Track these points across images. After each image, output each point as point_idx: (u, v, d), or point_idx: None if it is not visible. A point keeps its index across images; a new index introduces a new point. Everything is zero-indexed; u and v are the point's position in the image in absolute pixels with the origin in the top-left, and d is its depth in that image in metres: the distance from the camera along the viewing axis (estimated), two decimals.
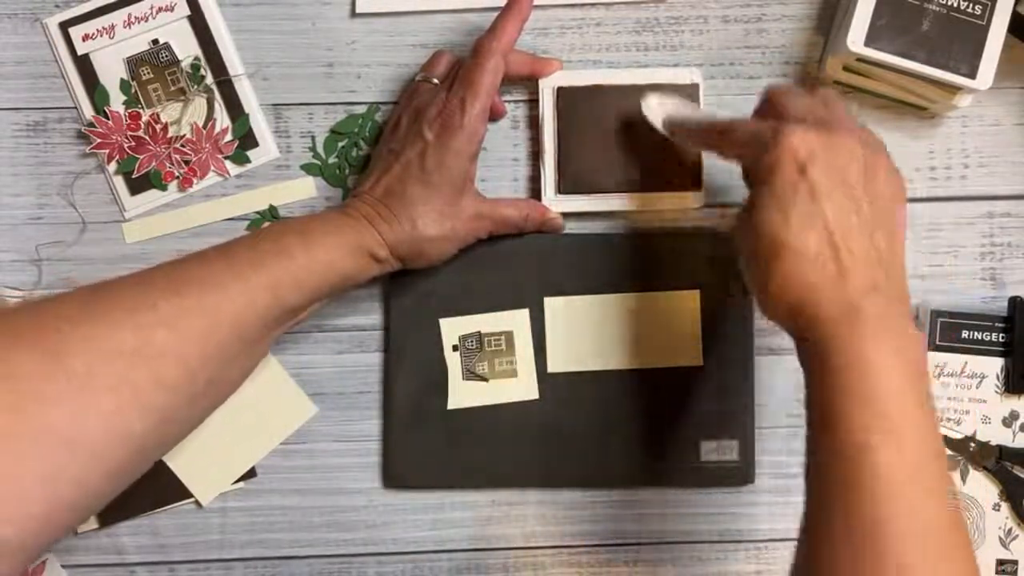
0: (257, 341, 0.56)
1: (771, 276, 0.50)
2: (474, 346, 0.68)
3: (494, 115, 0.68)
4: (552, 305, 0.68)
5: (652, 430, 0.68)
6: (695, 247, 0.68)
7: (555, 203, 0.68)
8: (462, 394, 0.68)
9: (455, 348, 0.68)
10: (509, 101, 0.70)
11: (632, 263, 0.68)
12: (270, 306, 0.55)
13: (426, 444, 0.68)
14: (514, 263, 0.68)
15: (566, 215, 0.69)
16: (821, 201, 0.49)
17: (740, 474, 0.68)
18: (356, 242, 0.59)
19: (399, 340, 0.68)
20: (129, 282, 0.53)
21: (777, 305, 0.51)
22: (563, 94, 0.67)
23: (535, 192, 0.69)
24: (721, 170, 0.69)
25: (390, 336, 0.68)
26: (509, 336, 0.68)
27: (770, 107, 0.56)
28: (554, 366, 0.68)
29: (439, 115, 0.61)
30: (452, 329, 0.68)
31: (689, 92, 0.67)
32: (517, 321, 0.68)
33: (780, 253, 0.50)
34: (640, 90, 0.67)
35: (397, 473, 0.68)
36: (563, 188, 0.68)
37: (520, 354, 0.68)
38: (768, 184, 0.51)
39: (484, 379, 0.68)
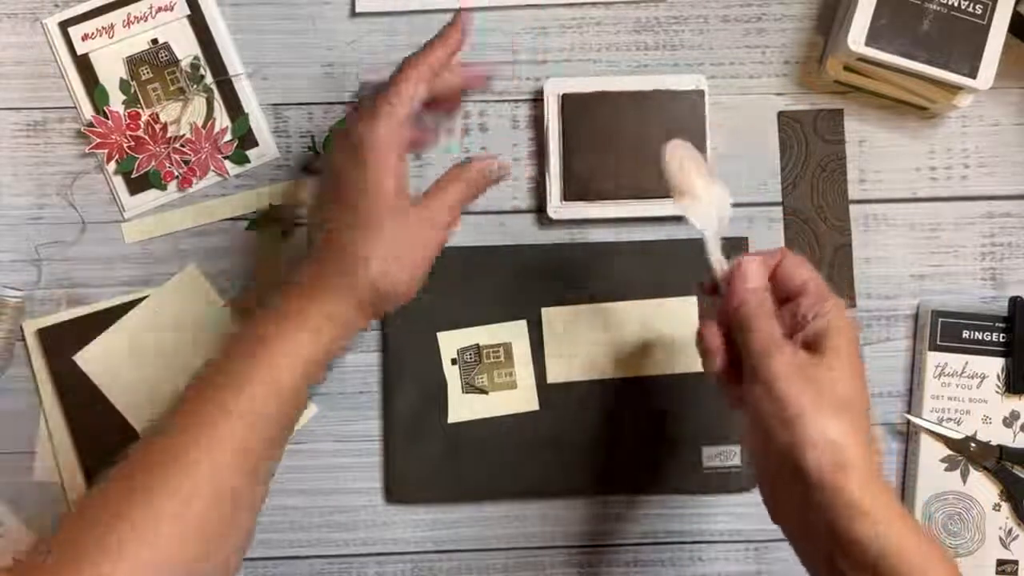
0: (260, 482, 0.52)
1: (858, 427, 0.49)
2: (473, 359, 0.68)
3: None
4: (550, 315, 0.68)
5: (654, 438, 0.68)
6: (693, 254, 0.68)
7: (560, 210, 0.68)
8: (462, 408, 0.68)
9: (453, 362, 0.68)
10: (509, 101, 0.70)
11: (628, 271, 0.68)
12: (249, 453, 0.50)
13: (428, 459, 0.67)
14: (510, 274, 0.68)
15: (572, 222, 0.69)
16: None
17: (742, 479, 0.68)
18: (305, 344, 0.52)
19: (397, 356, 0.68)
20: (98, 504, 0.48)
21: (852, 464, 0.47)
22: (568, 101, 0.67)
23: (537, 193, 0.69)
24: (725, 175, 0.69)
25: (388, 352, 0.68)
26: (507, 348, 0.68)
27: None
28: (553, 376, 0.68)
29: (346, 139, 0.53)
30: (450, 342, 0.68)
31: (694, 99, 0.67)
32: (515, 332, 0.68)
33: (862, 410, 0.49)
34: (646, 96, 0.67)
35: (399, 488, 0.68)
36: (568, 195, 0.68)
37: (519, 365, 0.68)
38: (837, 348, 0.49)
39: (484, 391, 0.68)
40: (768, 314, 0.51)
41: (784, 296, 0.52)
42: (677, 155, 0.55)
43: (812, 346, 0.49)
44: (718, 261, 0.54)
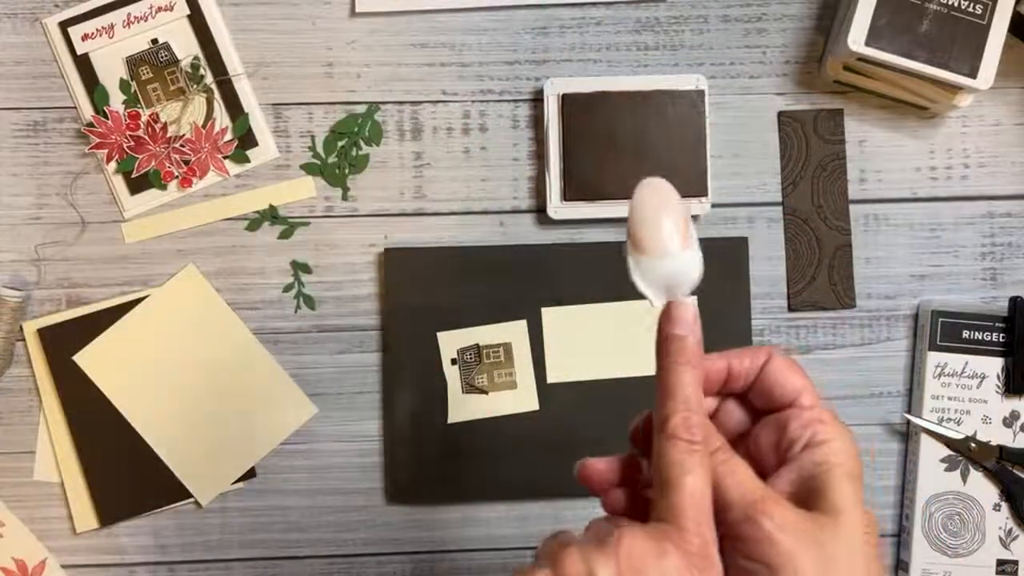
0: None
1: None
2: (472, 359, 0.68)
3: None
4: (549, 315, 0.68)
5: None
6: None
7: (560, 210, 0.68)
8: (462, 408, 0.68)
9: (453, 362, 0.68)
10: (509, 101, 0.70)
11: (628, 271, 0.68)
12: None
13: (428, 459, 0.68)
14: (510, 274, 0.68)
15: (572, 222, 0.69)
16: None
17: None
18: None
19: (397, 356, 0.68)
20: None
21: None
22: (568, 101, 0.67)
23: (537, 193, 0.69)
24: (725, 175, 0.69)
25: (388, 352, 0.68)
26: (507, 348, 0.68)
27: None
28: (553, 376, 0.68)
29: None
30: (450, 343, 0.68)
31: (694, 99, 0.67)
32: (515, 332, 0.68)
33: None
34: (646, 96, 0.67)
35: (399, 489, 0.68)
36: (568, 195, 0.68)
37: (519, 365, 0.68)
38: (844, 497, 0.37)
39: (484, 392, 0.68)
40: (730, 459, 0.38)
41: (764, 406, 0.40)
42: (652, 199, 0.41)
43: (809, 492, 0.37)
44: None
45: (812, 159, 0.70)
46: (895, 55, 0.64)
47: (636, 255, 0.41)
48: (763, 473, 0.39)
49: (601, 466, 0.43)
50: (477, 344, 0.68)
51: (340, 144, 0.69)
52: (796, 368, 0.40)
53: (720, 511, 0.37)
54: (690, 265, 0.41)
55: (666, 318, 0.40)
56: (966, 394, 0.68)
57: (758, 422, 0.41)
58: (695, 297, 0.41)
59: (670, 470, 0.37)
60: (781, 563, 0.35)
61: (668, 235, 0.41)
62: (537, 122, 0.69)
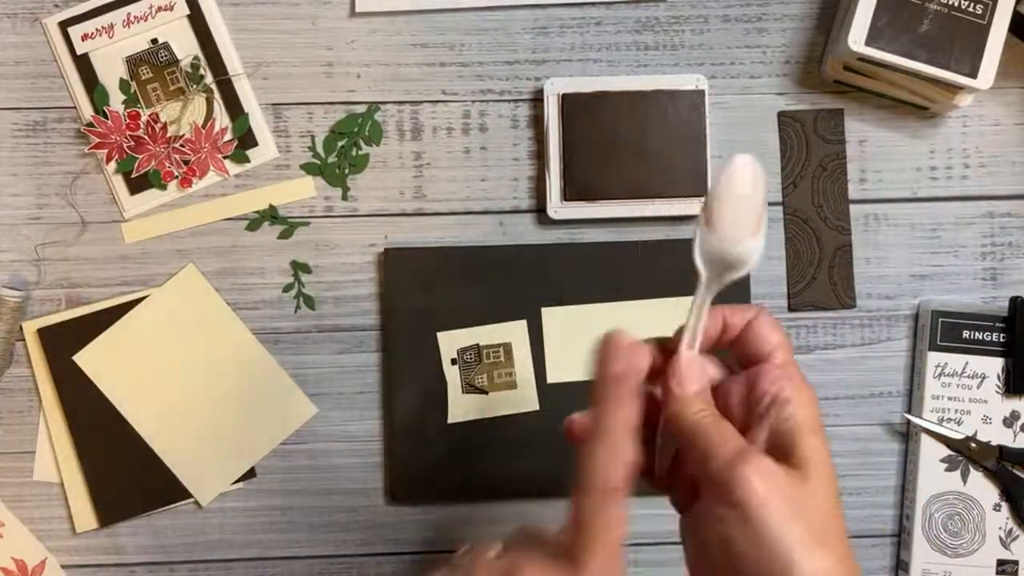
0: None
1: None
2: (472, 359, 0.68)
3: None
4: (549, 315, 0.68)
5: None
6: (690, 253, 0.68)
7: (560, 210, 0.68)
8: (462, 408, 0.68)
9: (453, 362, 0.68)
10: (509, 101, 0.70)
11: (628, 271, 0.68)
12: None
13: (429, 460, 0.68)
14: (510, 274, 0.68)
15: (572, 222, 0.69)
16: None
17: None
18: None
19: (397, 356, 0.68)
20: None
21: None
22: (568, 101, 0.67)
23: (537, 193, 0.69)
24: None
25: (388, 352, 0.68)
26: (507, 347, 0.68)
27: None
28: (554, 376, 0.68)
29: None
30: (450, 343, 0.68)
31: (694, 99, 0.67)
32: (515, 332, 0.68)
33: (843, 527, 0.41)
34: (646, 96, 0.67)
35: (400, 488, 0.68)
36: (569, 195, 0.68)
37: (519, 365, 0.68)
38: (813, 453, 0.40)
39: (484, 392, 0.68)
40: (717, 421, 0.41)
41: (747, 359, 0.43)
42: (741, 180, 0.41)
43: (780, 450, 0.40)
44: (691, 329, 0.43)
45: (812, 159, 0.70)
46: (895, 55, 0.64)
47: (704, 229, 0.42)
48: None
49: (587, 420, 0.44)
50: (477, 344, 0.68)
51: (340, 144, 0.69)
52: (777, 327, 0.43)
53: (704, 461, 0.39)
54: (752, 253, 0.42)
55: (602, 352, 0.42)
56: (966, 394, 0.68)
57: (731, 376, 0.43)
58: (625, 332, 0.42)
59: (587, 517, 0.39)
60: (758, 507, 0.37)
61: (744, 219, 0.41)
62: (537, 122, 0.69)
